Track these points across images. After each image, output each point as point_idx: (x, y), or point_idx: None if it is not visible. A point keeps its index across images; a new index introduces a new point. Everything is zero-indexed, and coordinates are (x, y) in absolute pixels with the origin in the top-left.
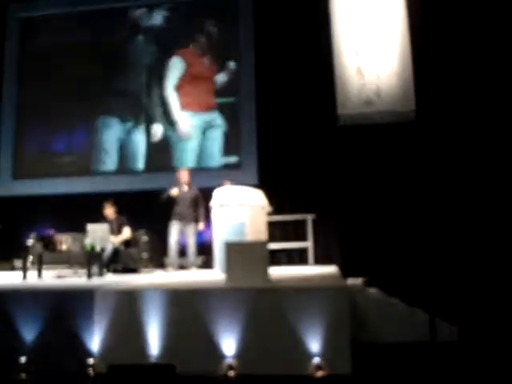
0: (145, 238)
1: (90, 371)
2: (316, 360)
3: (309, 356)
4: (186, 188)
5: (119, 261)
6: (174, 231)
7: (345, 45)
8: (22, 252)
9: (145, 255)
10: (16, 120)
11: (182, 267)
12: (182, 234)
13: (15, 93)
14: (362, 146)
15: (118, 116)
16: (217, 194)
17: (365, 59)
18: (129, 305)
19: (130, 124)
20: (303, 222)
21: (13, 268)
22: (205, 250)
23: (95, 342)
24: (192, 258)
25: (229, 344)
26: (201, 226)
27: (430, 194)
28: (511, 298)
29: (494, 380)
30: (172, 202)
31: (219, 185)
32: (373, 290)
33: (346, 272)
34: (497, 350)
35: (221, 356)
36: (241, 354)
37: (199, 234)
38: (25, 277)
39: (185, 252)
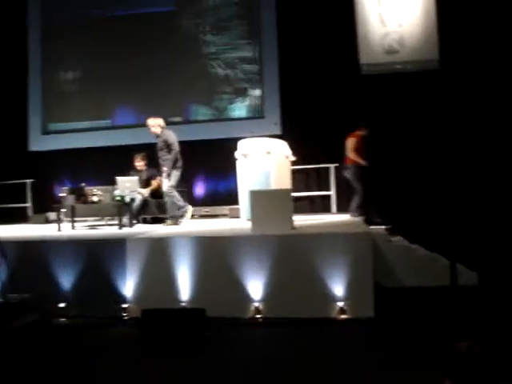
0: None
1: (125, 315)
2: (339, 303)
3: (332, 300)
4: (156, 138)
5: (148, 211)
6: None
7: None
8: (55, 205)
9: None
10: (42, 74)
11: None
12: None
13: (40, 51)
14: (385, 95)
15: None
16: (241, 144)
17: (387, 7)
18: (159, 252)
19: None
20: (326, 172)
21: (47, 221)
22: (233, 199)
23: (128, 288)
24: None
25: (256, 288)
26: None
27: (453, 142)
28: None
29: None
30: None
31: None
32: (395, 237)
33: (368, 220)
34: None
35: (248, 300)
36: (267, 298)
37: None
38: (59, 228)
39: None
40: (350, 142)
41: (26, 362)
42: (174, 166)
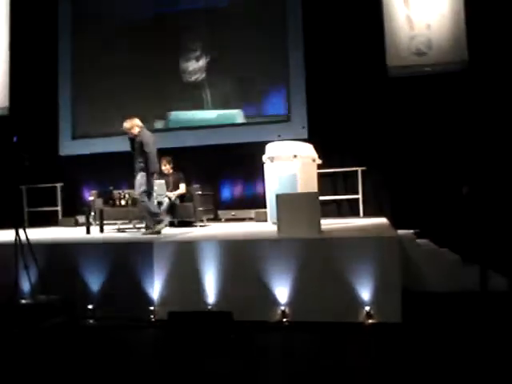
0: (199, 193)
1: (152, 318)
2: (367, 308)
3: (359, 304)
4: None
5: (175, 215)
6: None
7: None
8: (84, 208)
9: (199, 209)
10: (72, 79)
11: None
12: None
13: (70, 59)
14: (412, 97)
15: None
16: (268, 148)
17: (414, 9)
18: (186, 255)
19: None
20: (353, 175)
21: (76, 223)
22: (258, 203)
23: (156, 290)
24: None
25: (282, 292)
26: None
27: (482, 144)
28: None
29: None
30: None
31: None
32: (423, 241)
33: (396, 224)
34: None
35: (275, 303)
36: (294, 301)
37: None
38: (88, 231)
39: None
40: None
41: (54, 362)
42: (149, 171)
